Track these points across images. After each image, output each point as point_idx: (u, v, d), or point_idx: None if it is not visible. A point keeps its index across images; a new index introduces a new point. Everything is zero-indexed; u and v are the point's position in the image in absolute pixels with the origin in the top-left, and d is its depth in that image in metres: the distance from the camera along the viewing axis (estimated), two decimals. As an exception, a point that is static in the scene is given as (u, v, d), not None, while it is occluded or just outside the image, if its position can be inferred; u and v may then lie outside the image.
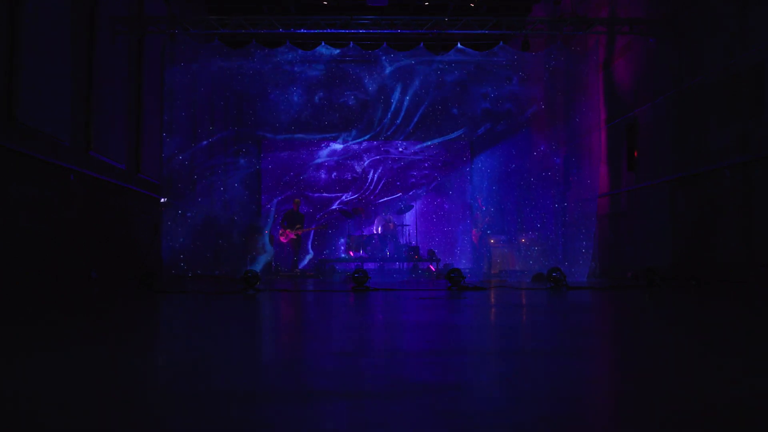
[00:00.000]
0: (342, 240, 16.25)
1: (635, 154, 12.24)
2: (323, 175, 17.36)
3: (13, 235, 8.18)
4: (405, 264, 15.10)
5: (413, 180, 17.41)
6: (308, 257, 16.07)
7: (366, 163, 17.47)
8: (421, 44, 12.73)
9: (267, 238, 14.46)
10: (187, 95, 12.40)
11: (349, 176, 17.39)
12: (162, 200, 11.82)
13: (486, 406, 2.09)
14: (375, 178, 17.27)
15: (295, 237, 14.84)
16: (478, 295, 7.46)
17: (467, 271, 13.92)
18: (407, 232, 15.68)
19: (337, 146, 17.18)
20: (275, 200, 16.97)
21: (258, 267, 12.33)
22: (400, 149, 17.03)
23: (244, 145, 16.22)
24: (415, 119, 15.44)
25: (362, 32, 12.27)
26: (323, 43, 12.69)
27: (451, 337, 3.89)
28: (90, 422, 1.89)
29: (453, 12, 15.81)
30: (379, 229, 15.38)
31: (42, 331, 4.25)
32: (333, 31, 12.12)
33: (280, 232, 14.87)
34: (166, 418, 1.96)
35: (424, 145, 16.86)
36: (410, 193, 16.54)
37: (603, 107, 13.08)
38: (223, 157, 15.53)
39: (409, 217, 15.99)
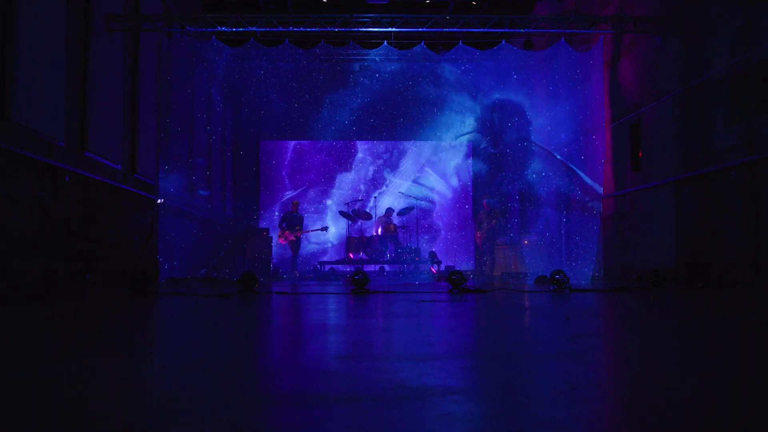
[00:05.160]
0: (342, 242, 16.11)
1: (640, 154, 12.10)
2: (322, 176, 17.21)
3: (5, 236, 8.04)
4: (406, 266, 14.96)
5: (414, 181, 17.26)
6: (307, 259, 15.92)
7: (366, 163, 17.33)
8: (422, 43, 12.61)
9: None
10: (185, 94, 12.27)
11: (349, 176, 17.25)
12: (158, 201, 11.67)
13: (487, 409, 2.08)
14: (375, 179, 17.13)
15: (294, 239, 14.68)
16: (480, 298, 7.34)
17: (469, 273, 13.78)
18: (408, 234, 15.54)
19: (337, 146, 17.05)
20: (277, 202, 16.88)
21: (256, 269, 12.16)
22: (401, 149, 16.88)
23: (242, 146, 16.10)
24: (417, 120, 15.32)
25: (362, 30, 12.15)
26: (323, 42, 12.57)
27: (452, 341, 3.83)
28: (85, 427, 1.87)
29: (454, 10, 15.69)
30: (380, 230, 15.23)
31: (28, 336, 4.12)
32: (332, 29, 11.99)
33: (279, 233, 14.72)
34: (161, 423, 1.92)
35: (426, 145, 16.71)
36: (411, 194, 16.36)
37: (607, 106, 12.95)
38: (220, 158, 15.39)
39: (410, 219, 15.83)
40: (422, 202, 16.48)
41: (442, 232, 17.37)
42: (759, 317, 5.24)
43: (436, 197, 17.53)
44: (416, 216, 15.81)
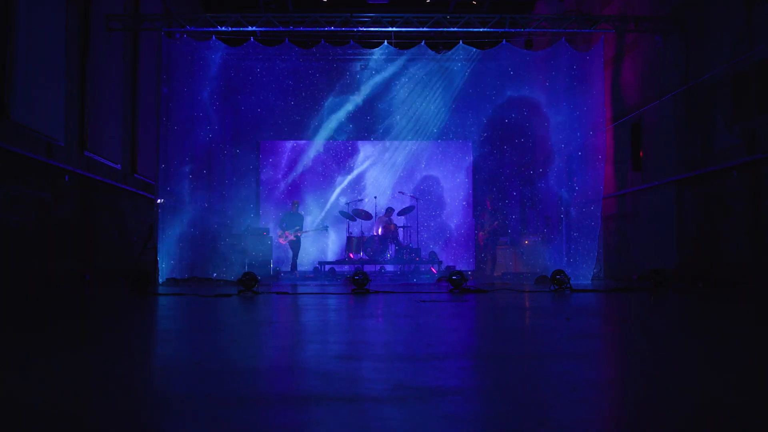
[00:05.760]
0: (342, 242, 16.07)
1: (641, 153, 12.08)
2: (323, 176, 17.17)
3: (5, 236, 8.02)
4: (406, 266, 14.93)
5: (415, 180, 17.21)
6: (307, 259, 15.88)
7: (366, 162, 17.30)
8: (423, 42, 12.58)
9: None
10: (184, 94, 12.24)
11: (349, 176, 17.21)
12: (158, 201, 11.64)
13: (488, 410, 2.08)
14: (375, 178, 17.09)
15: (294, 239, 14.65)
16: (480, 298, 7.32)
17: (470, 273, 13.75)
18: (409, 234, 15.51)
19: (337, 146, 17.02)
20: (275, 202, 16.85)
21: (256, 269, 12.12)
22: (402, 149, 16.84)
23: (242, 145, 16.06)
24: (417, 119, 15.28)
25: (362, 30, 12.13)
26: (323, 42, 12.54)
27: (452, 341, 3.82)
28: (84, 427, 1.87)
29: (455, 9, 15.68)
30: (380, 230, 15.19)
31: (25, 336, 4.12)
32: (333, 29, 11.97)
33: (279, 233, 14.68)
34: (160, 424, 1.92)
35: (426, 145, 16.66)
36: (411, 194, 16.33)
37: (608, 106, 12.91)
38: (220, 158, 15.36)
39: (410, 219, 15.79)
40: (422, 202, 16.44)
41: (443, 232, 17.32)
42: (760, 318, 5.23)
43: (436, 197, 17.49)
44: (416, 216, 15.79)
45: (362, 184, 17.16)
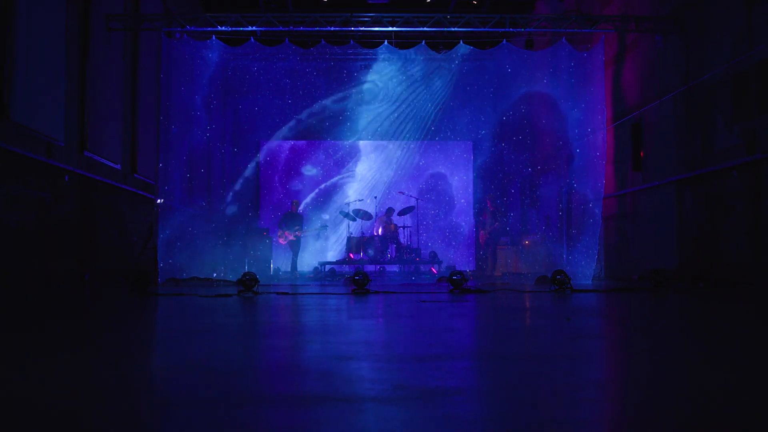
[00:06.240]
0: (342, 242, 16.07)
1: (641, 153, 12.07)
2: (322, 176, 17.17)
3: (5, 236, 8.02)
4: (407, 266, 14.92)
5: (414, 180, 17.21)
6: (307, 259, 15.86)
7: (367, 162, 17.30)
8: (423, 42, 12.56)
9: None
10: (184, 94, 12.22)
11: (349, 177, 17.21)
12: (158, 201, 11.63)
13: (488, 410, 2.08)
14: (375, 178, 17.09)
15: (293, 239, 14.64)
16: (481, 298, 7.31)
17: (470, 273, 13.75)
18: (409, 234, 15.50)
19: (337, 146, 17.02)
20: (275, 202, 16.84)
21: (256, 269, 12.12)
22: (402, 149, 16.83)
23: (241, 145, 16.05)
24: (418, 119, 15.27)
25: (362, 30, 12.12)
26: (323, 41, 12.53)
27: (452, 341, 3.82)
28: (84, 427, 1.87)
29: (455, 9, 15.68)
30: (380, 230, 15.19)
31: (29, 335, 4.11)
32: (333, 29, 11.96)
33: (279, 233, 14.67)
34: (160, 424, 1.92)
35: (426, 145, 16.65)
36: (411, 194, 16.32)
37: (608, 106, 12.90)
38: (220, 157, 15.35)
39: (411, 219, 15.79)
40: (422, 202, 16.44)
41: (443, 232, 17.32)
42: (760, 318, 5.23)
43: (436, 196, 17.48)
44: (417, 215, 15.78)
45: (362, 184, 17.15)
